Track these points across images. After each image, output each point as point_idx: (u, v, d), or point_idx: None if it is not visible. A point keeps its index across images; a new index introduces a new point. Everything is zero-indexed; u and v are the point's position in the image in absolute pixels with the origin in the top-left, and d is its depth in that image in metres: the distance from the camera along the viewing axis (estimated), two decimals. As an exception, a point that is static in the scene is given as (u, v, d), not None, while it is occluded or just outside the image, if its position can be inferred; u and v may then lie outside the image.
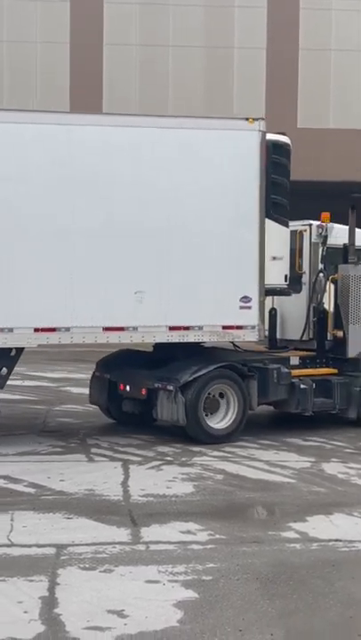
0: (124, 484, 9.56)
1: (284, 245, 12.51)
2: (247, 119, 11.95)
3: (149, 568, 6.73)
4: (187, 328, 11.64)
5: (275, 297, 13.33)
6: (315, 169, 29.03)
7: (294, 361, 12.87)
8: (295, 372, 12.62)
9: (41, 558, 6.93)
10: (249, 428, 12.42)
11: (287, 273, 12.51)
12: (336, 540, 7.56)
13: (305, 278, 13.33)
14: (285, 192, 12.47)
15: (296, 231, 13.32)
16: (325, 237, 13.18)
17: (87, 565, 6.77)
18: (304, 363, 13.00)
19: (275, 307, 13.59)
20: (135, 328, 11.40)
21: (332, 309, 13.11)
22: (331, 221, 13.27)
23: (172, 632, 5.54)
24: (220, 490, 9.36)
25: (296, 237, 13.30)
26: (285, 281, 12.51)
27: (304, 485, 9.61)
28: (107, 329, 11.29)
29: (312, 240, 13.30)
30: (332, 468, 10.55)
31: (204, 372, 11.74)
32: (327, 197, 29.90)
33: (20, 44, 28.56)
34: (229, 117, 12.49)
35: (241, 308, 11.80)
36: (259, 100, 29.27)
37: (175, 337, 11.65)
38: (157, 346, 12.39)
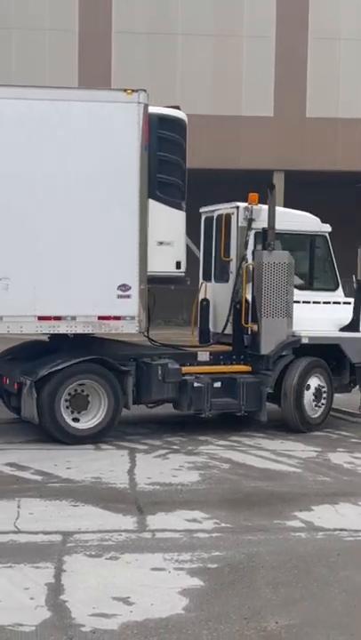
0: (131, 472, 9.59)
1: (175, 229, 11.49)
2: (125, 90, 10.89)
3: (155, 556, 6.76)
4: (58, 318, 10.79)
5: (207, 287, 12.64)
6: (324, 158, 28.97)
7: (204, 357, 11.87)
8: (191, 369, 11.61)
9: (47, 545, 6.97)
10: (250, 419, 12.39)
11: (181, 260, 11.54)
12: (341, 530, 7.58)
13: (233, 266, 12.27)
14: (178, 171, 11.50)
15: (222, 215, 12.41)
16: (250, 221, 11.97)
17: (93, 553, 6.80)
18: (217, 359, 11.95)
19: (207, 297, 12.75)
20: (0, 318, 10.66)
21: (250, 300, 11.93)
22: (259, 204, 12.14)
23: (178, 619, 5.57)
24: (226, 479, 9.38)
25: (222, 221, 12.37)
26: (178, 268, 11.50)
27: (310, 475, 9.63)
28: None
29: (239, 224, 12.13)
30: (338, 457, 10.56)
31: (63, 365, 10.82)
32: (336, 187, 29.92)
33: (29, 31, 28.49)
34: (105, 88, 11.30)
35: (119, 297, 10.87)
36: (268, 89, 29.18)
37: (45, 328, 10.87)
38: (52, 336, 11.47)
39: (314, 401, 12.01)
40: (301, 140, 29.22)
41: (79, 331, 11.00)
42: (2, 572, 6.34)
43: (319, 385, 12.07)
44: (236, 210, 12.20)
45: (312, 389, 11.99)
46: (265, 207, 12.01)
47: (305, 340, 11.96)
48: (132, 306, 10.92)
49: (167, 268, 11.39)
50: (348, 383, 12.66)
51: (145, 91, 10.94)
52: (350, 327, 12.16)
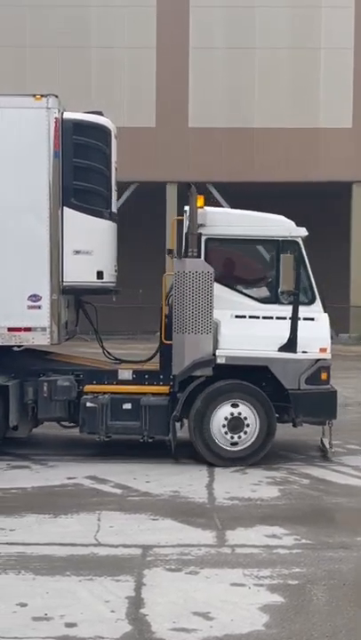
0: (210, 486, 9.57)
1: (95, 237, 10.92)
2: (34, 96, 10.58)
3: (235, 571, 6.73)
4: None
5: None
6: None
7: (125, 375, 10.89)
8: (97, 387, 10.74)
9: (127, 558, 7.01)
10: (336, 432, 12.22)
11: (103, 269, 10.92)
12: None
13: None
14: (99, 178, 11.01)
15: (175, 221, 11.47)
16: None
17: (173, 567, 6.81)
18: (142, 378, 10.90)
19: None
20: None
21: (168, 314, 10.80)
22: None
23: (258, 636, 5.52)
24: (307, 494, 9.28)
25: (172, 228, 11.38)
26: (100, 278, 10.90)
27: (392, 491, 9.47)
28: None
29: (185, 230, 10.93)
30: None
31: None
32: None
33: (108, 49, 28.94)
34: (13, 94, 11.00)
35: (29, 307, 10.50)
36: (346, 101, 29.00)
37: None
38: None
39: (225, 428, 10.44)
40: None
41: None
42: (83, 584, 6.40)
43: (239, 413, 10.44)
44: (185, 215, 10.98)
45: (223, 417, 10.44)
46: (211, 209, 10.96)
47: (221, 360, 10.40)
48: (42, 317, 10.57)
49: (86, 278, 10.88)
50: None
51: (56, 96, 10.65)
52: (286, 347, 10.49)
